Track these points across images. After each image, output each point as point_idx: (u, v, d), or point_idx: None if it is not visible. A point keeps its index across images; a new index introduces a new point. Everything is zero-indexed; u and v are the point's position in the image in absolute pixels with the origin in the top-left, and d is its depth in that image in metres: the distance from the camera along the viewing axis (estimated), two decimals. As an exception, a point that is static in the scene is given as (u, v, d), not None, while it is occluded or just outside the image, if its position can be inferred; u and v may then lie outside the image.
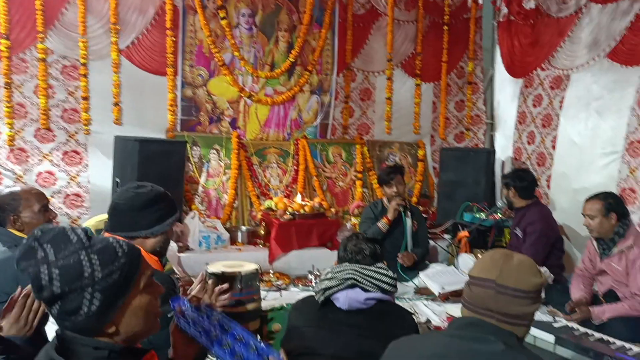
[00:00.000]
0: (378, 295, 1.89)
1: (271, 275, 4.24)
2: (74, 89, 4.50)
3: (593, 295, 3.45)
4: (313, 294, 2.03)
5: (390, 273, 1.96)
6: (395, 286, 1.97)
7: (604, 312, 3.15)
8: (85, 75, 4.48)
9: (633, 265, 3.16)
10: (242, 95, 5.08)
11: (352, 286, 1.90)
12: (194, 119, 4.97)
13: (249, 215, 4.99)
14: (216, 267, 2.91)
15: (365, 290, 1.89)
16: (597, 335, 2.77)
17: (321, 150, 5.42)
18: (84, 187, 4.55)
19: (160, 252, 2.03)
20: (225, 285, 2.35)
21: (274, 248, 4.42)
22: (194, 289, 2.07)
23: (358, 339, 1.83)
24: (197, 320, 1.60)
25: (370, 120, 5.65)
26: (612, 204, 3.21)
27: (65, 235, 1.18)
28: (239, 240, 4.65)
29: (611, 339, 2.70)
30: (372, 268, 1.95)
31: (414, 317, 2.23)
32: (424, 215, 4.88)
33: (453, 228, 4.98)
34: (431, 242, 4.75)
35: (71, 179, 4.52)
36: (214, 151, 4.99)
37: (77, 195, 4.53)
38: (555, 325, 2.91)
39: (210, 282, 2.10)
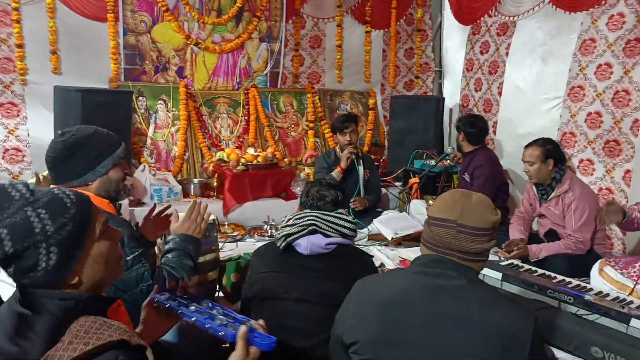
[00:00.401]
0: (339, 239, 1.93)
1: (226, 226, 4.23)
2: (6, 36, 4.20)
3: (530, 234, 3.66)
4: (272, 241, 2.05)
5: (350, 218, 2.00)
6: (355, 231, 2.01)
7: (540, 250, 3.36)
8: (18, 21, 4.18)
9: (568, 209, 3.35)
10: (189, 42, 4.89)
11: (314, 232, 1.93)
12: (138, 68, 4.76)
13: (200, 167, 4.91)
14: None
15: (326, 236, 1.92)
16: (540, 271, 2.95)
17: (272, 99, 5.34)
18: (23, 141, 4.33)
19: (110, 197, 1.96)
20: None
21: (227, 199, 4.39)
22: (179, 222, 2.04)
23: (320, 281, 1.87)
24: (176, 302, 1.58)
25: (321, 69, 5.60)
26: (549, 150, 3.36)
27: (5, 192, 1.13)
28: (192, 192, 4.59)
29: (553, 274, 2.88)
30: (333, 214, 1.98)
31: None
32: (376, 163, 4.96)
33: (404, 175, 5.09)
34: (383, 190, 4.85)
35: (9, 133, 4.28)
36: (161, 102, 4.83)
37: (17, 149, 4.32)
38: (502, 263, 3.07)
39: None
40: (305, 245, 1.90)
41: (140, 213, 4.05)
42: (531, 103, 4.44)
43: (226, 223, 4.29)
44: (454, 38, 5.56)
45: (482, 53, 5.05)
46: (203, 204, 2.09)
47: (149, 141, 4.75)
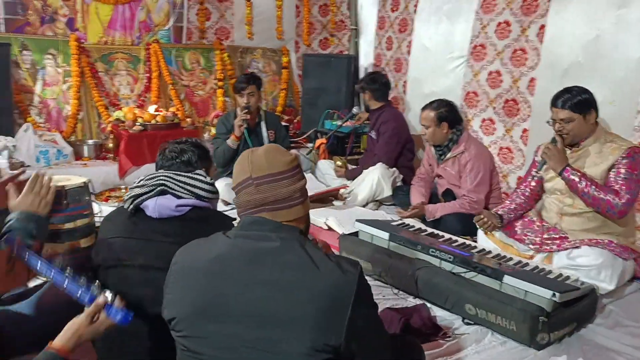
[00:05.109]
0: (192, 201, 1.77)
1: (122, 190, 4.00)
2: None
3: (432, 194, 3.67)
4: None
5: (209, 179, 1.84)
6: (214, 192, 1.86)
7: (436, 210, 3.38)
8: None
9: (464, 169, 3.37)
10: (78, -9, 4.49)
11: (163, 192, 1.77)
12: (20, 18, 4.33)
13: (97, 128, 4.60)
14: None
15: (178, 197, 1.77)
16: (429, 230, 2.94)
17: (177, 56, 5.04)
18: None
19: None
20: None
21: (123, 162, 4.15)
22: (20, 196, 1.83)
23: (171, 246, 1.70)
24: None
25: (229, 24, 5.32)
26: (443, 113, 3.33)
27: None
28: (85, 154, 4.30)
29: (441, 233, 2.88)
30: (188, 174, 1.82)
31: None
32: (285, 123, 4.81)
33: (315, 136, 4.99)
34: (294, 151, 4.73)
35: None
36: (50, 56, 4.43)
37: None
38: (393, 223, 3.05)
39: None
40: (153, 207, 1.74)
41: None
42: (437, 62, 4.40)
43: (123, 187, 4.06)
44: (368, -5, 5.42)
45: (392, 10, 4.94)
46: (47, 177, 1.90)
47: (37, 99, 4.37)
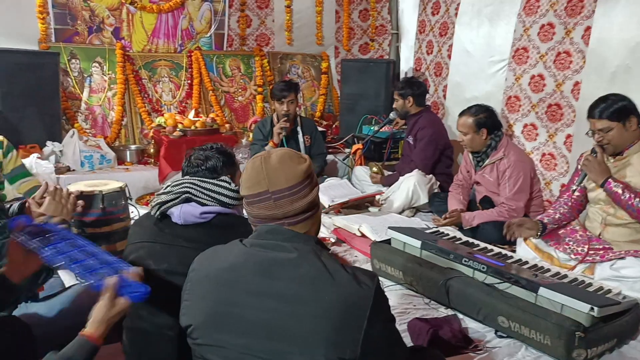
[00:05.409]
0: (216, 208, 1.79)
1: (163, 194, 4.09)
2: None
3: (469, 201, 3.57)
4: (153, 210, 1.91)
5: (233, 186, 1.85)
6: (239, 199, 1.86)
7: (473, 218, 3.28)
8: None
9: (502, 176, 3.26)
10: (124, 1, 4.63)
11: (187, 200, 1.79)
12: (70, 28, 4.51)
13: (140, 134, 4.73)
14: (76, 187, 2.73)
15: (202, 204, 1.79)
16: (464, 238, 2.86)
17: (217, 63, 5.13)
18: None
19: None
20: (81, 202, 2.24)
21: (163, 166, 4.24)
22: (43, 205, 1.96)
23: (194, 252, 1.71)
24: (42, 237, 1.52)
25: (269, 31, 5.37)
26: (482, 119, 3.24)
27: None
28: (128, 159, 4.42)
29: (476, 242, 2.79)
30: (213, 181, 1.83)
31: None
32: (322, 129, 4.81)
33: (353, 141, 4.96)
34: (331, 157, 4.73)
35: None
36: (96, 64, 4.60)
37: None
38: (427, 231, 2.98)
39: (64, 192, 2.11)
40: (179, 214, 1.76)
41: (67, 182, 3.86)
42: (478, 66, 4.29)
43: (163, 191, 4.14)
44: (409, -1, 5.36)
45: (433, 14, 4.87)
46: (64, 189, 2.14)
47: (83, 106, 4.54)
